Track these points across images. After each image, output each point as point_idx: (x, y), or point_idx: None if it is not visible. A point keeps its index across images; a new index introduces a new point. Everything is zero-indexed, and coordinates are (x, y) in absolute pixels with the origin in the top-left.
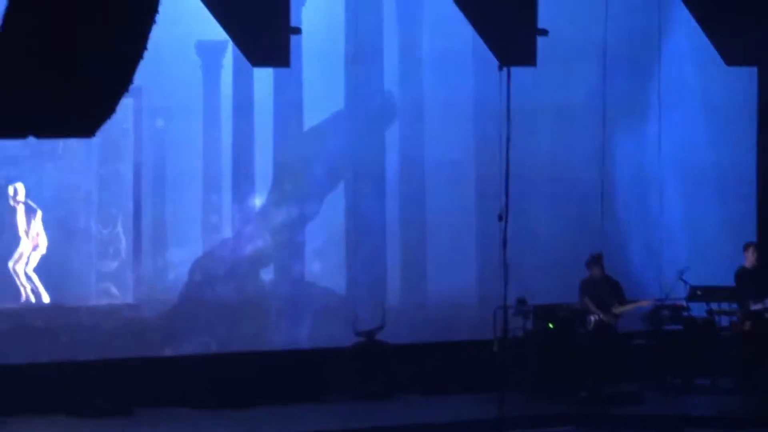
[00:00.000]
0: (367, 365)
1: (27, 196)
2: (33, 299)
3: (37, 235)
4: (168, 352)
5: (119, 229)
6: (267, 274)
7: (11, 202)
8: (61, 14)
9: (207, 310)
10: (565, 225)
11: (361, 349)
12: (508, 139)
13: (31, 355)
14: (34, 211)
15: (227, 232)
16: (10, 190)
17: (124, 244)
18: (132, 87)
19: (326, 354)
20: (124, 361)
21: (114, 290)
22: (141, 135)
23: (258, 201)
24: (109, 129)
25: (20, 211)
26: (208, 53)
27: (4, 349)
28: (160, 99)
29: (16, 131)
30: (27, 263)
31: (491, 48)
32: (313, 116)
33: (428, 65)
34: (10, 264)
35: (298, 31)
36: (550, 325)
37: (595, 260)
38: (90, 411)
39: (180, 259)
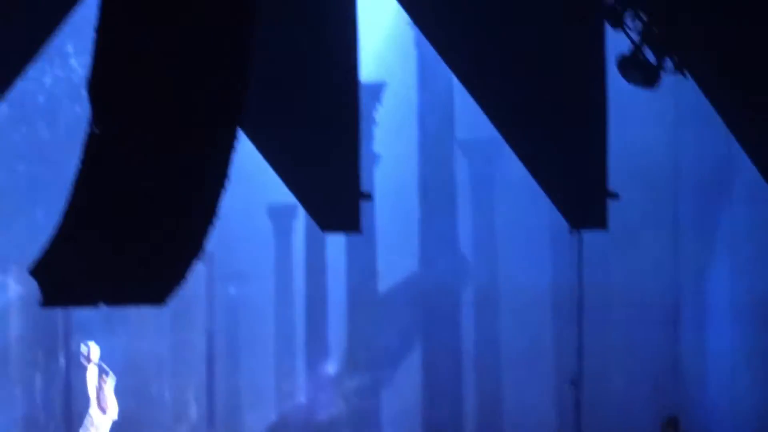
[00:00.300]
0: None
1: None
2: None
3: (108, 399)
4: None
5: (191, 395)
6: None
7: (83, 361)
8: (132, 185)
9: None
10: (638, 391)
11: None
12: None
13: None
14: (107, 374)
15: (301, 398)
16: (83, 349)
17: (196, 410)
18: (204, 253)
19: None
20: None
21: None
22: (213, 301)
23: (331, 367)
24: (181, 295)
25: (91, 371)
26: (280, 217)
27: None
28: (232, 264)
29: (87, 299)
30: (101, 418)
31: (561, 211)
32: (386, 280)
33: (501, 228)
34: (89, 413)
35: (369, 197)
36: None
37: (670, 423)
38: None
39: (254, 425)
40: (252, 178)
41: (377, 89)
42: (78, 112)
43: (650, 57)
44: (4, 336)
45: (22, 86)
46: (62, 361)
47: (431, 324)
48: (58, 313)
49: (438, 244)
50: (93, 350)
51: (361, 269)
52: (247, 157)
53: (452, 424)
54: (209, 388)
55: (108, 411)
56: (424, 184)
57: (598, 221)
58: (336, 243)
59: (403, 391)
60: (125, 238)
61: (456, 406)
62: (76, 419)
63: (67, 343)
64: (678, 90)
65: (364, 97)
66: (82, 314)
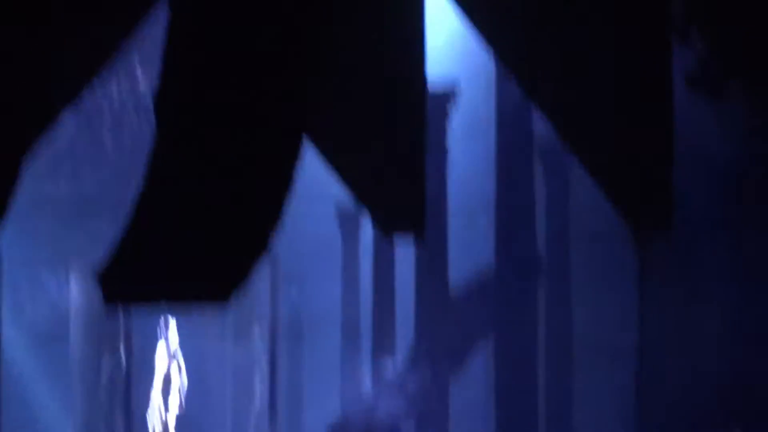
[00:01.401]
0: None
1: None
2: None
3: (174, 387)
4: None
5: (253, 393)
6: None
7: (160, 331)
8: (198, 187)
9: None
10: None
11: None
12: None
13: None
14: (180, 369)
15: (364, 397)
16: (161, 320)
17: (258, 408)
18: (269, 254)
19: None
20: None
21: None
22: (276, 301)
23: (397, 365)
24: (244, 295)
25: (162, 348)
26: (347, 218)
27: None
28: (297, 265)
29: (151, 299)
30: (163, 418)
31: (623, 215)
32: (456, 279)
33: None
34: (148, 413)
35: (435, 204)
36: None
37: None
38: None
39: (315, 423)
40: (319, 179)
41: (449, 92)
42: (142, 122)
43: (717, 70)
44: (66, 338)
45: (87, 95)
46: (123, 362)
47: (503, 321)
48: (120, 316)
49: (511, 246)
50: (172, 326)
51: (431, 268)
52: (314, 158)
53: (524, 421)
54: (272, 387)
55: (171, 398)
56: (500, 188)
57: (663, 223)
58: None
59: (473, 387)
60: (189, 239)
61: (528, 402)
62: (137, 421)
63: (128, 345)
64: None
65: (434, 101)
66: (145, 316)
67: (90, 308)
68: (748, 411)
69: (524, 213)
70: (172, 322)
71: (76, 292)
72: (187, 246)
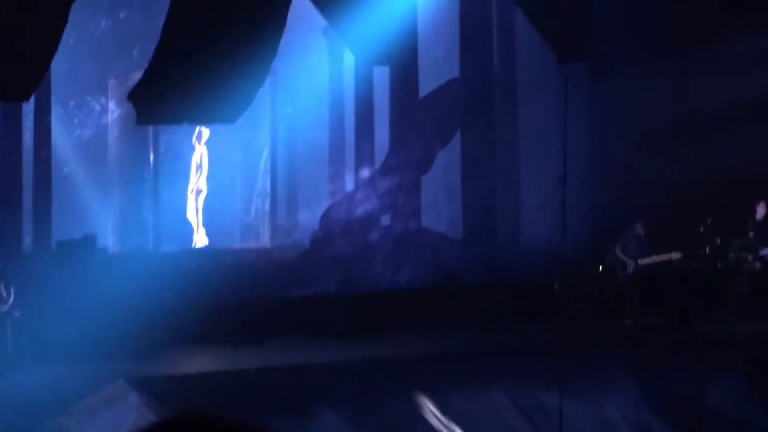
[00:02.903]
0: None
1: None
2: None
3: (201, 183)
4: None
5: (258, 193)
6: (375, 231)
7: (194, 141)
8: (210, 27)
9: (326, 258)
10: None
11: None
12: None
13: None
14: (201, 167)
15: (344, 198)
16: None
17: (261, 206)
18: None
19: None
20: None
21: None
22: (276, 114)
23: (371, 171)
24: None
25: (198, 153)
26: (335, 41)
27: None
28: (292, 88)
29: (174, 118)
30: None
31: (549, 44)
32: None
33: None
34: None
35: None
36: (600, 269)
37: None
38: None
39: (307, 218)
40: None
41: None
42: None
43: None
44: (105, 149)
45: None
46: (152, 165)
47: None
48: (149, 130)
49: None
50: (204, 134)
51: (403, 87)
52: None
53: (482, 206)
54: (273, 190)
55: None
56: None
57: (580, 53)
58: (381, 72)
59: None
60: (204, 71)
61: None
62: (163, 224)
63: (157, 160)
64: None
65: None
66: (169, 130)
67: (125, 122)
68: None
69: (482, 35)
70: (198, 131)
71: (114, 109)
72: (203, 74)
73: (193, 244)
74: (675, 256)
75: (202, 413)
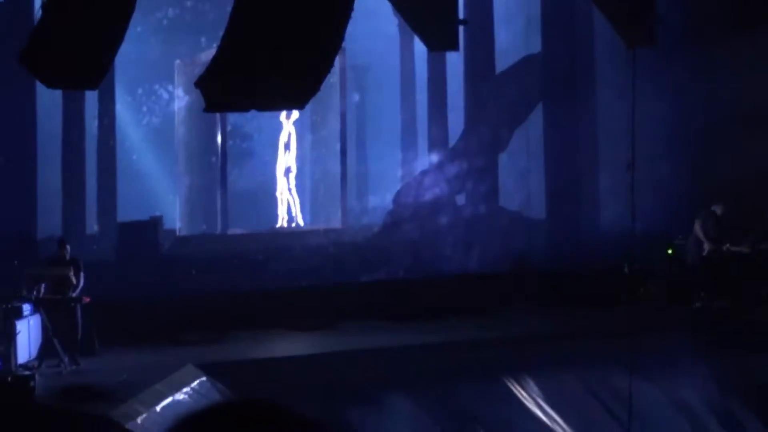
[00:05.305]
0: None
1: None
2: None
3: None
4: (365, 278)
5: (329, 176)
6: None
7: (283, 119)
8: (277, 11)
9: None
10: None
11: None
12: None
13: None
14: (288, 146)
15: (414, 182)
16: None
17: (330, 189)
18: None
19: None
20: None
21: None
22: (346, 98)
23: (438, 158)
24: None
25: (285, 132)
26: (405, 32)
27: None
28: (361, 78)
29: (242, 105)
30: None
31: (618, 31)
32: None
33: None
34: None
35: (465, 22)
36: (670, 252)
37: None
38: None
39: (378, 195)
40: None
41: None
42: None
43: None
44: (172, 135)
45: None
46: (219, 150)
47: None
48: (217, 117)
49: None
50: (294, 114)
51: (478, 64)
52: None
53: (567, 181)
54: (342, 174)
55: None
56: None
57: (648, 39)
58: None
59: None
60: (271, 57)
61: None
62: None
63: (224, 143)
64: None
65: None
66: (236, 117)
67: (193, 108)
68: None
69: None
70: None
71: (182, 96)
72: (270, 60)
73: (289, 222)
74: (746, 250)
75: (261, 400)
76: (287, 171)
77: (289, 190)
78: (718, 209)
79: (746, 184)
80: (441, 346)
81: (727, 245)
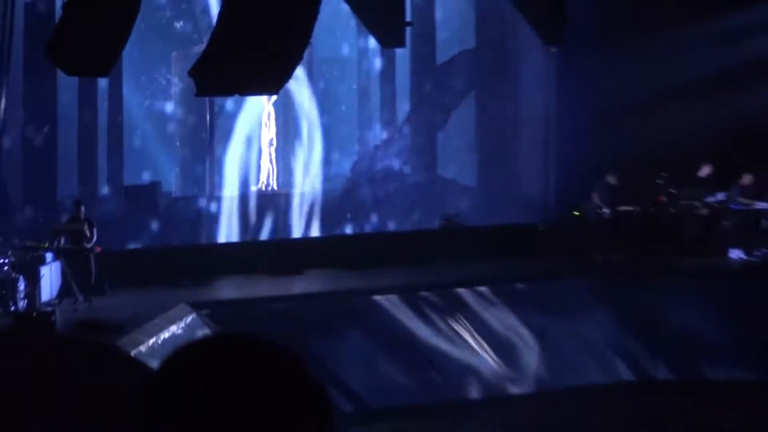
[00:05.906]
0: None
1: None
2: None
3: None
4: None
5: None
6: (392, 183)
7: (264, 101)
8: (257, 9)
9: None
10: None
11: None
12: None
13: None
14: (269, 122)
15: (368, 154)
16: None
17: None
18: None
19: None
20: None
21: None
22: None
23: (388, 134)
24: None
25: (266, 112)
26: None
27: None
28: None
29: (226, 90)
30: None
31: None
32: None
33: None
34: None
35: (411, 24)
36: (576, 213)
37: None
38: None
39: (340, 161)
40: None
41: None
42: None
43: None
44: (165, 118)
45: None
46: (208, 124)
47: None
48: (206, 100)
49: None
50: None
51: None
52: None
53: (499, 160)
54: (309, 148)
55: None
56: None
57: (558, 39)
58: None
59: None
60: (252, 49)
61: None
62: (217, 165)
63: (212, 122)
64: None
65: None
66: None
67: (185, 94)
68: None
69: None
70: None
71: (177, 83)
72: (251, 52)
73: (266, 186)
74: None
75: (244, 334)
76: (270, 143)
77: (270, 160)
78: (612, 179)
79: (638, 159)
80: (396, 288)
81: (621, 207)
